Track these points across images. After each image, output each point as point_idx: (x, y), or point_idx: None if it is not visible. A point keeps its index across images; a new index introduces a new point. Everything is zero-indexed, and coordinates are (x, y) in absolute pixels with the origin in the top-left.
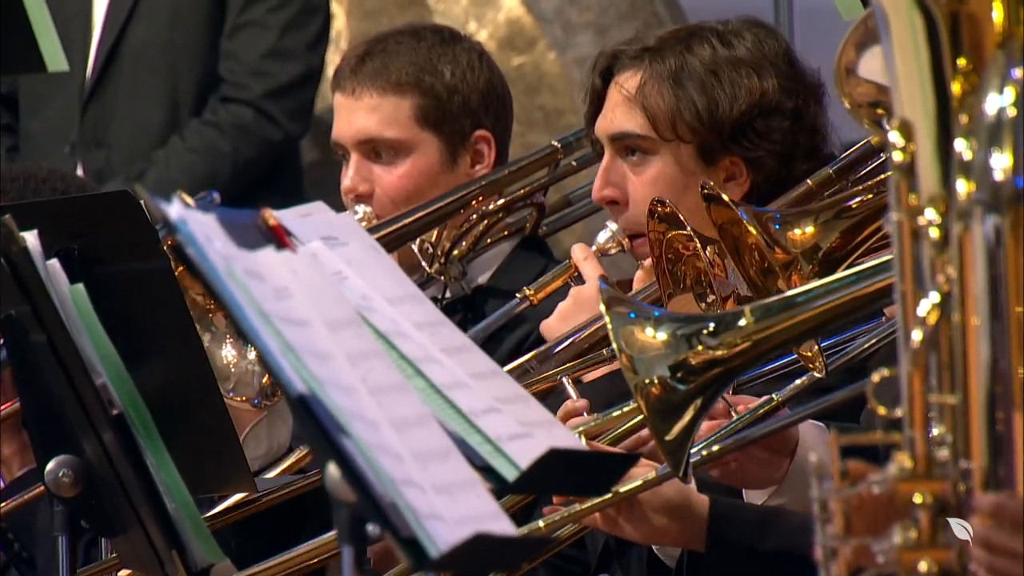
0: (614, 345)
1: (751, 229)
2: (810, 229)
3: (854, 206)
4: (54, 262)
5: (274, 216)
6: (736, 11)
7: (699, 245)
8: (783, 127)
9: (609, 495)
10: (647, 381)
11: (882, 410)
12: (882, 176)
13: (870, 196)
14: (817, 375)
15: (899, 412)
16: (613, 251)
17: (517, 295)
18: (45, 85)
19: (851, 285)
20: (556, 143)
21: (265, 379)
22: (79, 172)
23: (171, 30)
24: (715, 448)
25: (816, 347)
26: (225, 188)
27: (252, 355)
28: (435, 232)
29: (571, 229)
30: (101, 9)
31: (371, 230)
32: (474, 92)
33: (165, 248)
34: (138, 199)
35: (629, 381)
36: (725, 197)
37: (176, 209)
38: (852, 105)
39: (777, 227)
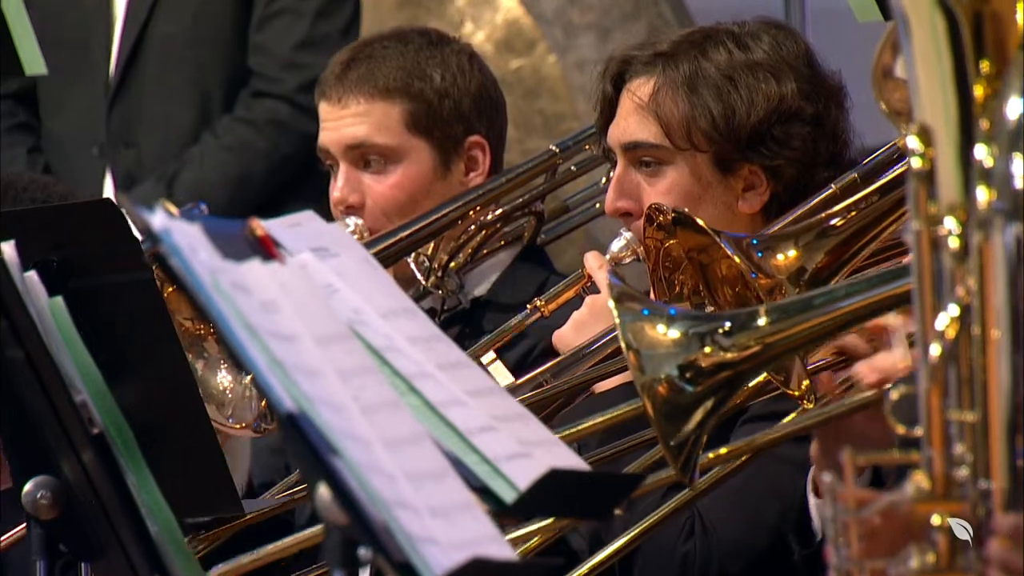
0: (621, 341)
1: (735, 258)
2: (792, 253)
3: (838, 224)
4: (32, 274)
5: (262, 226)
6: (744, 13)
7: None
8: (803, 133)
9: None
10: (654, 380)
11: (900, 428)
12: (867, 191)
13: (853, 214)
14: (808, 405)
15: (918, 431)
16: (627, 260)
17: (528, 306)
18: (65, 82)
19: (872, 288)
20: (554, 147)
21: (263, 403)
22: (108, 174)
23: (196, 23)
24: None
25: (806, 381)
26: (260, 187)
27: (247, 379)
28: (431, 244)
29: (570, 238)
30: (122, 2)
31: (366, 246)
32: (466, 96)
33: (148, 260)
34: (120, 208)
35: (636, 381)
36: (701, 222)
37: (160, 219)
38: (889, 110)
39: (760, 254)
